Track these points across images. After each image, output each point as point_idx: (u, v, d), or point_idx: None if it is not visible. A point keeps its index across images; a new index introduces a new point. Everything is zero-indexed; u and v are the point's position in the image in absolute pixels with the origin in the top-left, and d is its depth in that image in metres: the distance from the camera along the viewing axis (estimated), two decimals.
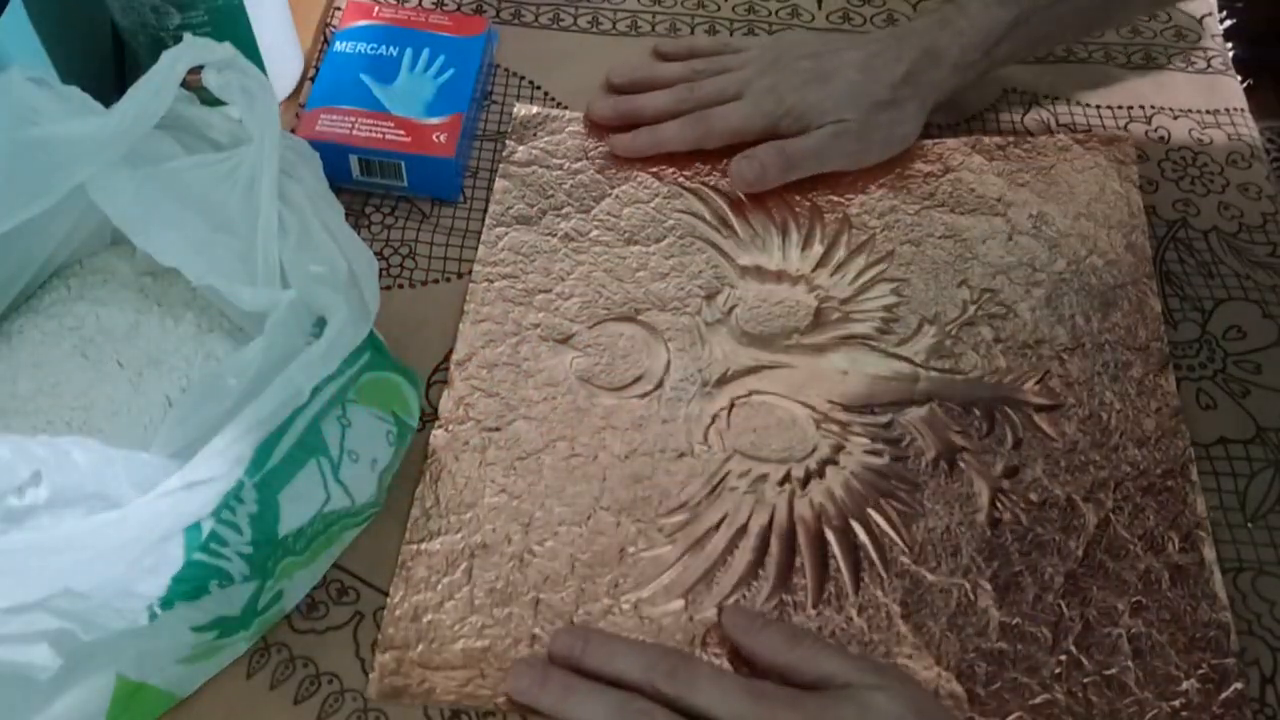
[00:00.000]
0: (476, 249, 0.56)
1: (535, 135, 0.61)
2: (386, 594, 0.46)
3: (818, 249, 0.57)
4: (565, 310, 0.54)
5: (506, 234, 0.57)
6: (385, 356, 0.46)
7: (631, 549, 0.47)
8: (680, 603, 0.46)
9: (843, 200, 0.59)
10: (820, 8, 0.68)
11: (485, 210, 0.58)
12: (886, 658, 0.45)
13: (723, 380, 0.52)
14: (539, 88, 0.64)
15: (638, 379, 0.52)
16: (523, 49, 0.65)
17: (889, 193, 0.59)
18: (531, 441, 0.50)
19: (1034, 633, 0.45)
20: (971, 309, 0.55)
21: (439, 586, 0.46)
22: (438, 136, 0.57)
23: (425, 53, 0.60)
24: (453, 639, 0.45)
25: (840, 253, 0.57)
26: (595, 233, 0.57)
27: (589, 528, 0.48)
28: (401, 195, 0.58)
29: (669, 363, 0.53)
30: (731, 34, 0.67)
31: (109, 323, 0.46)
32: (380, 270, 0.46)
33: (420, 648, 0.44)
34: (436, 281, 0.56)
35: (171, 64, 0.41)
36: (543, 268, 0.56)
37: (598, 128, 0.61)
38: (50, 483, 0.34)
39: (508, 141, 0.61)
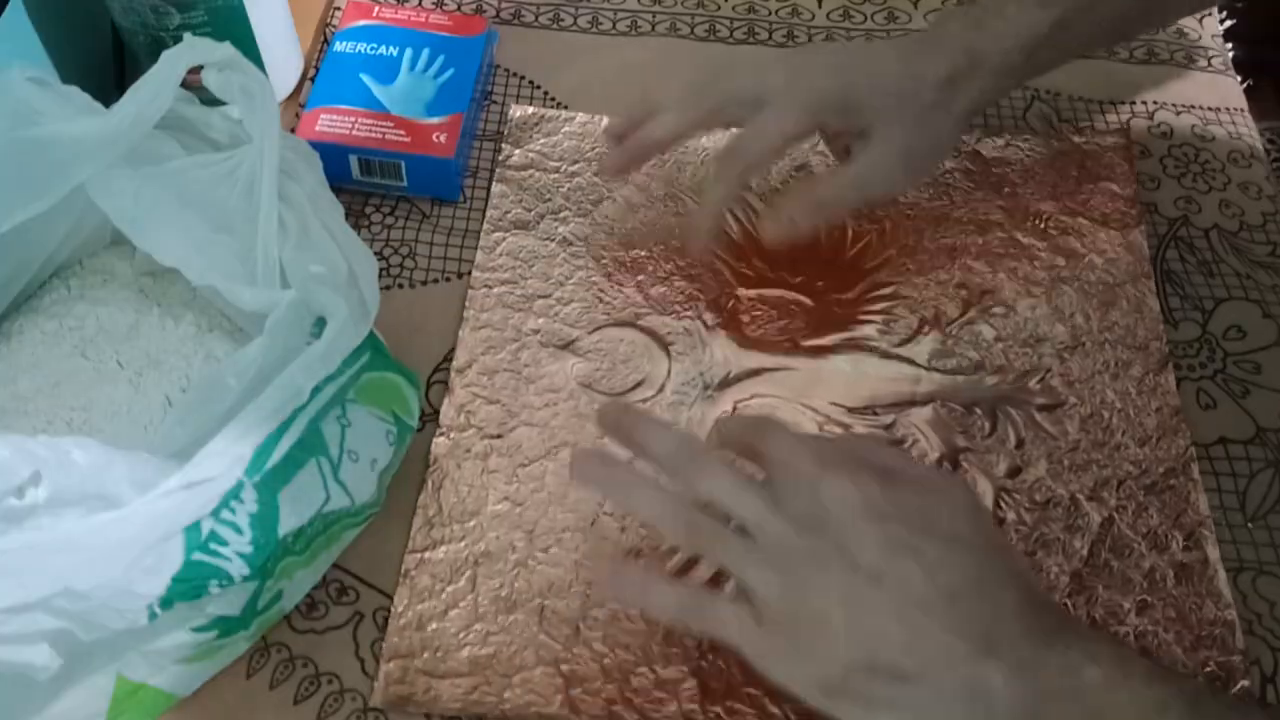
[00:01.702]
0: (476, 250, 0.56)
1: (531, 138, 0.61)
2: (386, 594, 0.46)
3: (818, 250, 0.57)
4: (565, 315, 0.54)
5: (504, 239, 0.57)
6: (385, 357, 0.46)
7: (635, 554, 0.47)
8: None
9: None
10: (820, 6, 0.68)
11: (484, 212, 0.58)
12: None
13: (725, 384, 0.52)
14: (539, 88, 0.64)
15: (639, 384, 0.52)
16: (523, 49, 0.65)
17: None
18: (534, 448, 0.50)
19: None
20: (972, 309, 0.54)
21: (443, 594, 0.46)
22: (438, 136, 0.57)
23: (425, 53, 0.60)
24: (458, 647, 0.44)
25: (840, 254, 0.57)
26: (594, 236, 0.57)
27: (593, 534, 0.47)
28: (401, 195, 0.58)
29: (670, 367, 0.52)
30: (731, 34, 0.67)
31: (109, 323, 0.46)
32: (380, 270, 0.46)
33: (425, 656, 0.44)
34: (436, 282, 0.56)
35: (171, 64, 0.41)
36: (542, 273, 0.55)
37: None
38: (50, 483, 0.34)
39: (503, 145, 0.60)
